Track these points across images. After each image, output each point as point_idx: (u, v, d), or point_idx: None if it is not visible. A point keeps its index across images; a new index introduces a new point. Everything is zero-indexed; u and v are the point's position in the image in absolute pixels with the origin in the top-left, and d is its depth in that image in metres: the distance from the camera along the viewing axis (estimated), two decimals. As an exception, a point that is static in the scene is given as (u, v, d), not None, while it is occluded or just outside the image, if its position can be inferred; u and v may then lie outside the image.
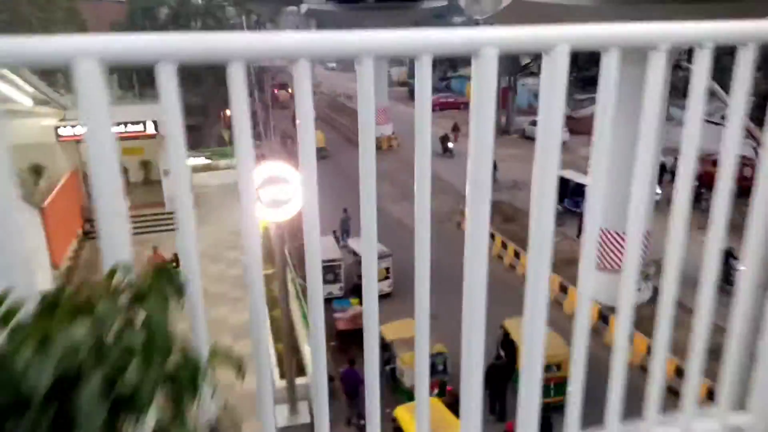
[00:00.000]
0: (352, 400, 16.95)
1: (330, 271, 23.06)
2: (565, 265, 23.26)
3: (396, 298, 21.94)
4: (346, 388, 17.27)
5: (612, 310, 19.78)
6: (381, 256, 22.44)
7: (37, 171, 26.94)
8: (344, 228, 29.04)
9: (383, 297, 22.95)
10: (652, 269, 20.89)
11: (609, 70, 2.54)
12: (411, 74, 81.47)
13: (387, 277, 23.08)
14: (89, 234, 27.96)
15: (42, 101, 26.39)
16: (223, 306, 21.73)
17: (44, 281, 21.40)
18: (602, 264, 21.28)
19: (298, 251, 26.60)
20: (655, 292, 20.00)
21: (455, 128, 51.65)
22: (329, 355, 19.02)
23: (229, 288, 23.08)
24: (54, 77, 32.34)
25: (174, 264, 16.58)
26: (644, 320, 16.58)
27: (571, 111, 51.25)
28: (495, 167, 23.90)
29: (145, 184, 30.18)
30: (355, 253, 21.90)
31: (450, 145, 45.62)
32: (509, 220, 29.44)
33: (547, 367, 15.87)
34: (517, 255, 26.54)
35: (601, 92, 2.71)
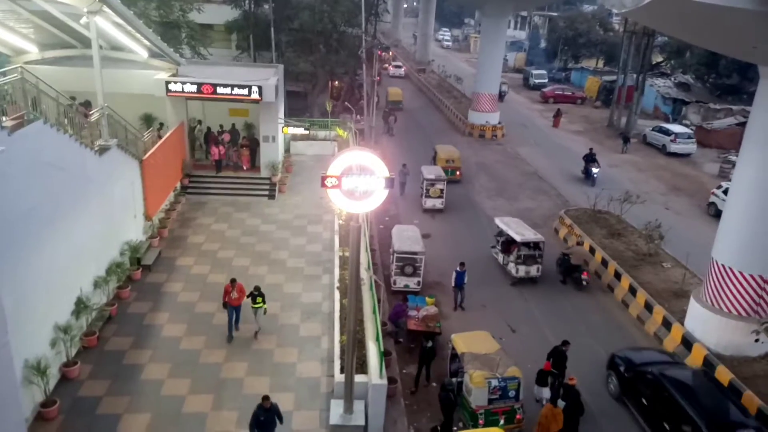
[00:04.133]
0: (394, 323, 20.04)
1: (409, 263, 22.85)
2: (673, 297, 22.39)
3: (446, 213, 30.96)
4: (392, 316, 20.08)
5: (720, 358, 18.32)
6: (439, 180, 31.13)
7: (147, 122, 28.36)
8: (402, 180, 32.58)
9: (437, 212, 30.80)
10: None
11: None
12: (530, 61, 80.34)
13: (440, 197, 31.21)
14: (187, 189, 29.34)
15: (156, 55, 27.62)
16: (298, 282, 22.23)
17: (135, 231, 22.56)
18: (719, 305, 19.36)
19: (381, 234, 26.66)
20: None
21: (558, 114, 52.91)
22: (395, 353, 18.89)
23: (306, 264, 23.57)
24: (171, 32, 33.72)
25: (255, 292, 18.14)
26: (758, 377, 15.43)
27: (702, 121, 48.76)
28: (590, 161, 30.33)
29: (248, 145, 31.20)
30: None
31: (594, 170, 36.65)
32: (615, 235, 27.27)
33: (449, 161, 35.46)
34: (617, 276, 23.95)
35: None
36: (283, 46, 41.55)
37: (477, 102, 48.61)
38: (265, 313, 18.86)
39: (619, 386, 17.69)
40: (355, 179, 13.04)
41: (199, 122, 31.60)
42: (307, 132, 33.64)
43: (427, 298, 21.21)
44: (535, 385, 17.29)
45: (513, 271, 24.40)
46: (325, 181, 12.95)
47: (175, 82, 27.50)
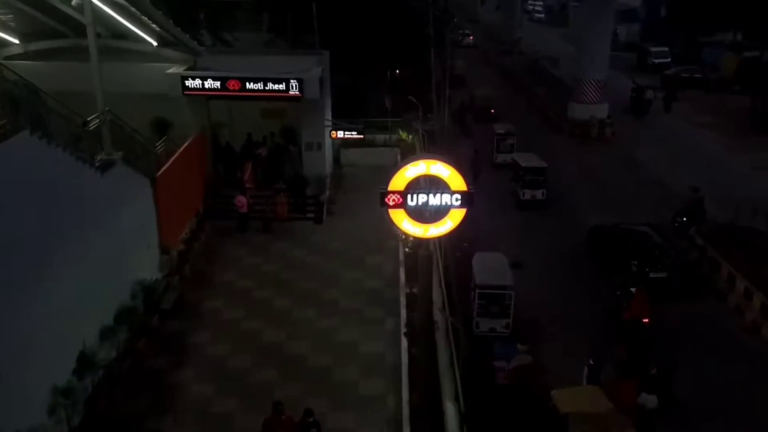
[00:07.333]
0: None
1: (494, 301, 22.71)
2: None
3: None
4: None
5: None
6: (509, 134, 40.51)
7: (158, 129, 28.67)
8: (475, 170, 34.75)
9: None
10: None
11: None
12: (646, 35, 78.61)
13: (511, 151, 39.15)
14: (213, 213, 29.47)
15: (168, 43, 28.23)
16: (354, 327, 22.26)
17: (149, 268, 22.70)
18: None
19: (458, 264, 26.43)
20: None
21: (670, 96, 53.36)
22: (480, 417, 18.44)
23: (364, 305, 23.58)
24: (187, 13, 34.21)
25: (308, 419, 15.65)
26: None
27: None
28: None
29: (285, 190, 30.15)
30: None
31: None
32: (762, 258, 25.71)
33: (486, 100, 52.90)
34: (766, 312, 23.20)
35: None
36: (328, 26, 41.65)
37: (579, 91, 48.12)
38: None
39: (589, 240, 29.50)
40: (424, 196, 12.98)
41: (248, 135, 31.75)
42: (361, 136, 33.75)
43: (519, 345, 21.03)
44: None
45: (520, 195, 34.17)
46: (386, 199, 12.91)
47: (194, 78, 27.80)
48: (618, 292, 24.17)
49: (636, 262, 25.84)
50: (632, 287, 23.49)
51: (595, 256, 28.53)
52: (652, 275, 25.18)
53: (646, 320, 21.91)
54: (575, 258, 29.17)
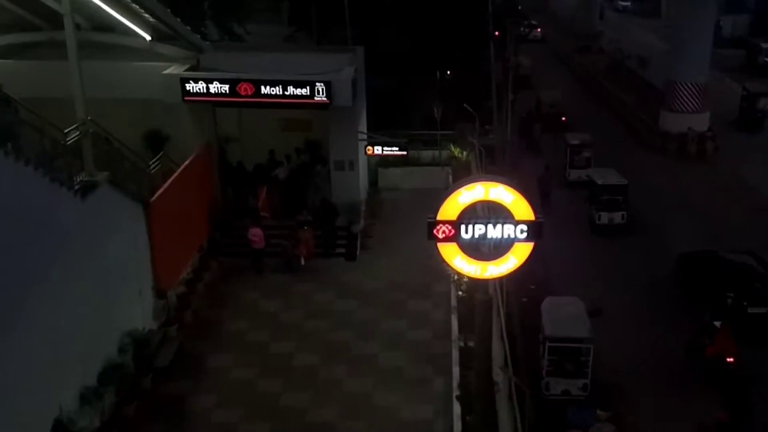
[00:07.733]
0: None
1: (569, 357, 22.68)
2: None
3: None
4: None
5: None
6: (585, 145, 41.32)
7: (152, 144, 28.92)
8: (544, 189, 36.77)
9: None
10: None
11: None
12: (757, 28, 77.94)
13: (587, 167, 40.17)
14: (219, 248, 29.53)
15: (166, 37, 28.47)
16: (395, 389, 22.10)
17: (142, 315, 22.57)
18: None
19: (524, 311, 26.28)
20: None
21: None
22: None
23: (407, 361, 23.48)
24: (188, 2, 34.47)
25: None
26: None
27: None
28: None
29: (309, 222, 29.93)
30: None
31: None
32: None
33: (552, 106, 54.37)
34: None
35: None
36: (363, 16, 41.73)
37: (673, 97, 47.89)
38: None
39: (678, 269, 30.44)
40: (482, 227, 13.05)
41: (271, 153, 31.79)
42: (404, 153, 33.73)
43: (599, 411, 20.60)
44: None
45: (595, 218, 35.13)
46: (435, 231, 12.88)
47: (196, 80, 27.77)
48: (700, 327, 24.85)
49: (732, 295, 26.75)
50: (717, 321, 24.43)
51: (685, 288, 29.50)
52: (750, 310, 26.25)
53: (731, 359, 22.87)
54: (665, 297, 29.22)
